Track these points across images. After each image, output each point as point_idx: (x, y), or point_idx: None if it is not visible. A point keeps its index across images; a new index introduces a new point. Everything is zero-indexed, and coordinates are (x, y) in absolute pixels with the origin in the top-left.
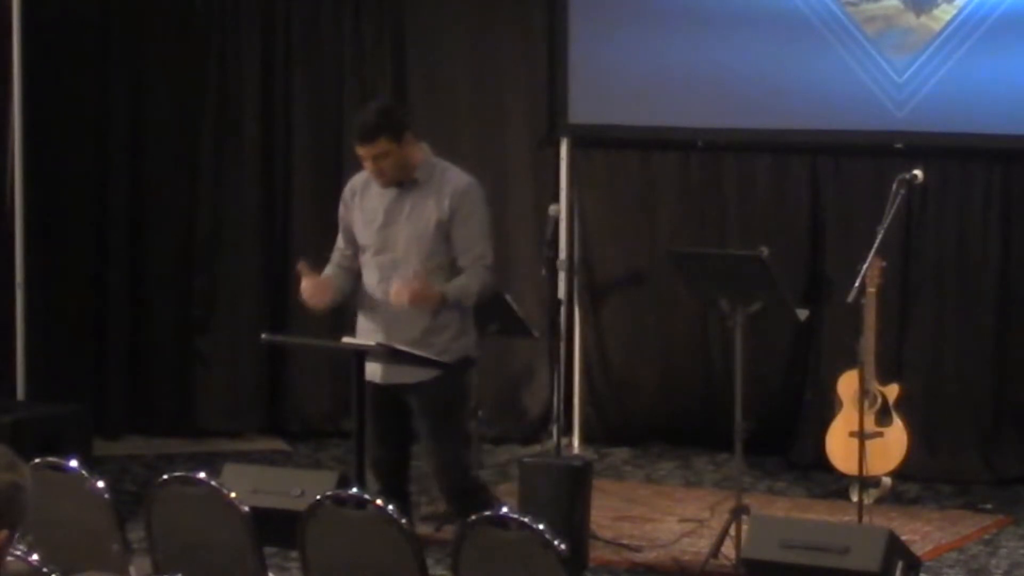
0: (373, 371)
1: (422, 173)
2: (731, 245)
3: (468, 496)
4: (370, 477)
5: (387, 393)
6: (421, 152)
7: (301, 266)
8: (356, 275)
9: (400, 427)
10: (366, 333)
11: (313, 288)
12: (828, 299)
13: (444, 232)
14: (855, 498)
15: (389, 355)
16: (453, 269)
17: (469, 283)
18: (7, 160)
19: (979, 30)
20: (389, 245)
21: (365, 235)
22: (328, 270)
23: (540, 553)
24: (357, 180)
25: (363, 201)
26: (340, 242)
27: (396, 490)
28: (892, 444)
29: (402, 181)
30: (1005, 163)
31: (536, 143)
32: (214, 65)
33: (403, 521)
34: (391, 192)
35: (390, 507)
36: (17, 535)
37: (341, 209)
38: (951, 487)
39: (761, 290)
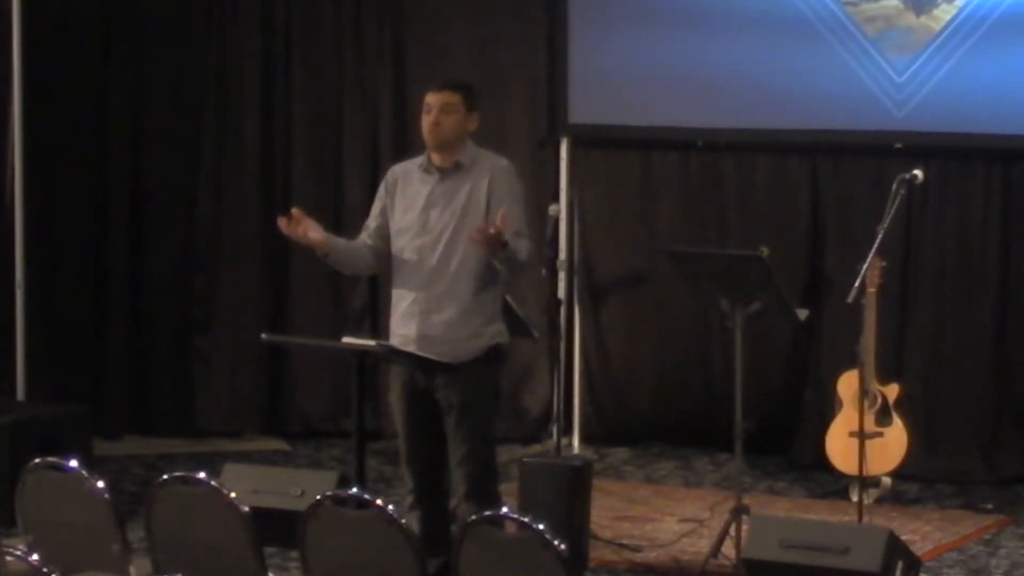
0: (406, 340)
1: (466, 159)
2: (731, 245)
3: (484, 499)
4: (405, 474)
5: (419, 391)
6: (468, 144)
7: (296, 211)
8: (375, 253)
9: (433, 426)
10: (402, 316)
11: (307, 225)
12: (828, 299)
13: (480, 212)
14: (855, 498)
15: (390, 355)
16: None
17: (519, 246)
18: (7, 160)
19: (979, 30)
20: (428, 227)
21: (404, 220)
22: (353, 241)
23: (540, 553)
24: (398, 168)
25: (405, 188)
26: (371, 221)
27: (431, 487)
28: (892, 444)
29: (444, 167)
30: (1005, 163)
31: (536, 143)
32: (214, 65)
33: (403, 521)
34: (433, 178)
35: (390, 507)
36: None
37: (381, 190)
38: (951, 487)
39: (761, 290)
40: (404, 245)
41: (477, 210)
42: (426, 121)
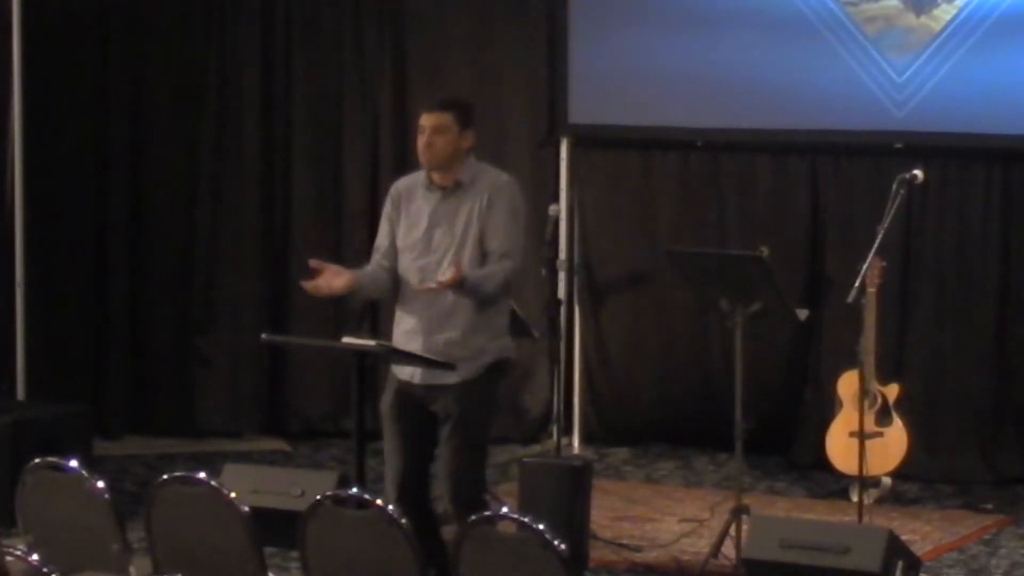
0: (411, 372)
1: (466, 177)
2: (731, 245)
3: (471, 510)
4: (388, 488)
5: (413, 402)
6: (468, 160)
7: (314, 263)
8: (394, 276)
9: (422, 437)
10: (406, 334)
11: (330, 274)
12: (828, 299)
13: (482, 230)
14: (855, 498)
15: (390, 355)
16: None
17: (492, 272)
18: (7, 160)
19: (979, 30)
20: (432, 248)
21: (408, 239)
22: (369, 267)
23: (540, 553)
24: (402, 184)
25: (408, 205)
26: (383, 241)
27: (416, 501)
28: (892, 444)
29: (445, 186)
30: (1005, 163)
31: (536, 143)
32: (214, 65)
33: (403, 521)
34: (435, 196)
35: (390, 507)
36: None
37: (388, 207)
38: (951, 487)
39: (761, 290)
40: (408, 265)
41: (477, 233)
42: (420, 142)
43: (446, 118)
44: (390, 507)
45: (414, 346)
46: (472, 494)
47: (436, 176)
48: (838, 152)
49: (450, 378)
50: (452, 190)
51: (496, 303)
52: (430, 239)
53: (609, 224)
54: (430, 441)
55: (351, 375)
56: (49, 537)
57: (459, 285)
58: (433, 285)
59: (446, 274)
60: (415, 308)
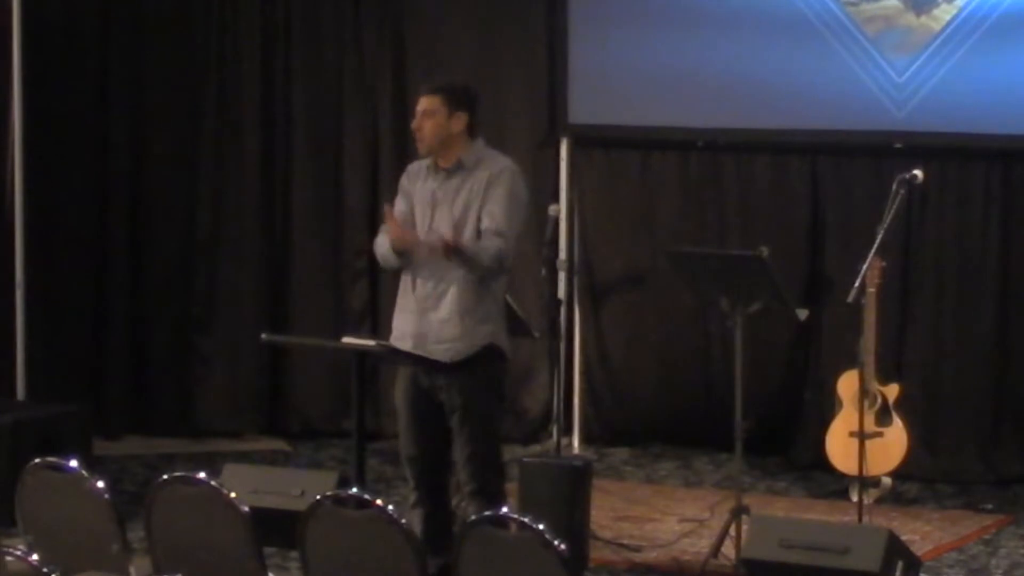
0: (403, 335)
1: (470, 160)
2: (731, 245)
3: (487, 499)
4: (407, 473)
5: (423, 392)
6: (473, 144)
7: (389, 208)
8: None
9: (435, 426)
10: (402, 312)
11: (400, 227)
12: (828, 299)
13: (479, 210)
14: (855, 498)
15: (389, 355)
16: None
17: (485, 246)
18: (7, 160)
19: (979, 30)
20: (432, 227)
21: (413, 217)
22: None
23: (540, 553)
24: (415, 164)
25: (416, 185)
26: (402, 209)
27: (433, 487)
28: (892, 444)
29: (447, 167)
30: (1005, 163)
31: (536, 143)
32: (214, 65)
33: (403, 521)
34: (439, 177)
35: (390, 507)
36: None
37: (404, 181)
38: (951, 487)
39: (761, 290)
40: None
41: (476, 215)
42: (413, 127)
43: (434, 101)
44: (390, 507)
45: (408, 324)
46: (490, 481)
47: (439, 158)
48: (838, 152)
49: (440, 356)
50: (454, 171)
51: (488, 286)
52: (431, 219)
53: (609, 224)
54: (443, 430)
55: (351, 375)
56: (49, 537)
57: (454, 250)
58: (435, 241)
59: (446, 236)
60: (412, 285)
